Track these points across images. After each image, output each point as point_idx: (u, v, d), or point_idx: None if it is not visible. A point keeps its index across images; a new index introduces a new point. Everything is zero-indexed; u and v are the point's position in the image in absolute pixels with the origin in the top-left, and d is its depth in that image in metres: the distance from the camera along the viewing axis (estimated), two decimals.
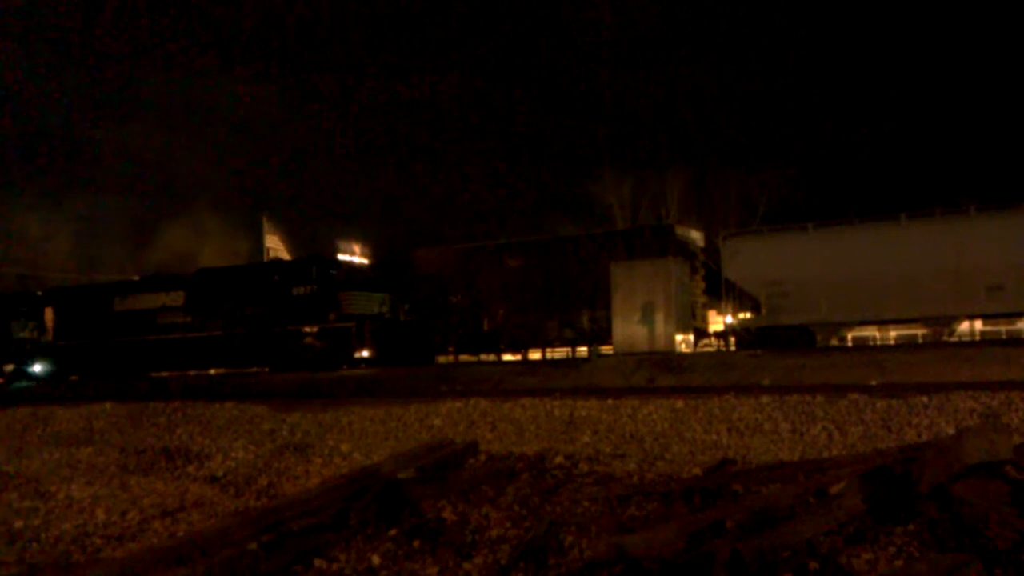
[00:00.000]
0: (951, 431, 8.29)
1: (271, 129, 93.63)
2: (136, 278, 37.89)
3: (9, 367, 34.60)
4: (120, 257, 57.56)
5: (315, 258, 29.56)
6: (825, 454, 8.37)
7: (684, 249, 28.51)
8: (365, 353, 27.49)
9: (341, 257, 28.99)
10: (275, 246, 38.62)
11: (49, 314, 34.39)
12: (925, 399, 10.07)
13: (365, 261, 29.69)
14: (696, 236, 30.70)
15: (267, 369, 29.40)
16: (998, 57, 72.30)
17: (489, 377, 19.66)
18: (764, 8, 77.64)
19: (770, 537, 5.11)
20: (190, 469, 10.25)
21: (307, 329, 27.84)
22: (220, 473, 9.86)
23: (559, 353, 31.12)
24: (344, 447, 10.66)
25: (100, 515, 8.06)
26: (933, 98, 70.73)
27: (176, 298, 31.20)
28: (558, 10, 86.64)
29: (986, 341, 23.04)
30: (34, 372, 34.23)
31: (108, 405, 16.03)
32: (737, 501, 6.26)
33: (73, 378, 32.84)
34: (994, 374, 14.07)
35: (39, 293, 37.39)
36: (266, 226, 38.98)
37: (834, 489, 5.89)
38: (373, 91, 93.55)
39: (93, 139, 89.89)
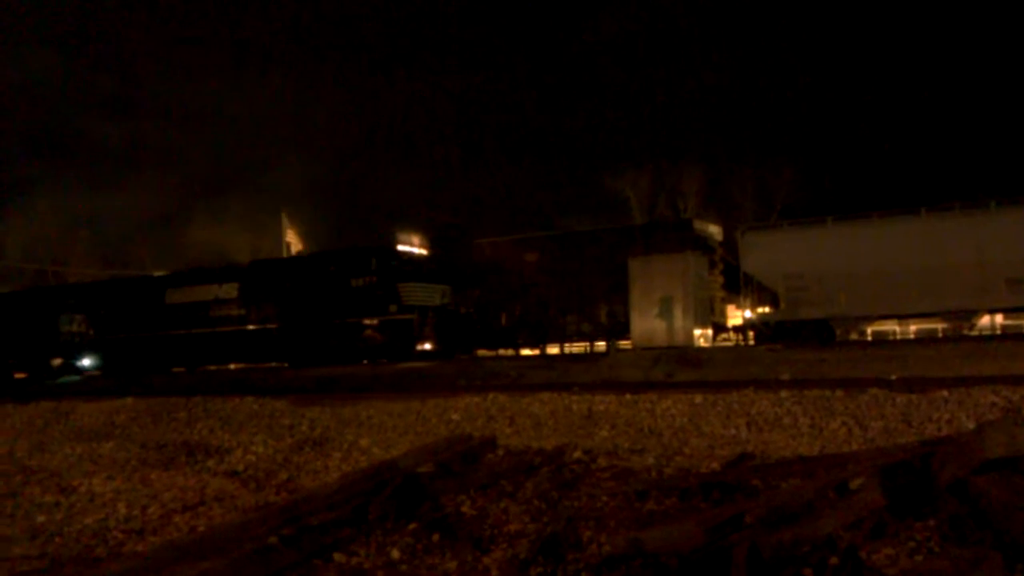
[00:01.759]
0: (971, 425, 8.24)
1: (288, 125, 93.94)
2: (162, 272, 37.85)
3: (57, 361, 34.18)
4: (140, 254, 58.07)
5: (374, 249, 28.85)
6: (844, 449, 8.34)
7: (702, 243, 28.50)
8: (427, 346, 26.94)
9: (400, 248, 28.38)
10: (295, 240, 38.71)
11: (97, 307, 34.02)
12: (945, 393, 10.03)
13: (424, 252, 29.08)
14: (714, 230, 30.68)
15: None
16: (1018, 51, 71.73)
17: (507, 372, 19.66)
18: (783, 3, 77.29)
19: (789, 532, 5.10)
20: (210, 464, 10.30)
21: (367, 321, 27.23)
22: (240, 468, 9.91)
23: (577, 347, 31.17)
24: (363, 442, 10.70)
25: (122, 509, 8.11)
26: (954, 92, 70.28)
27: (230, 290, 30.56)
28: (578, 6, 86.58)
29: (1007, 335, 22.92)
30: (83, 366, 33.86)
31: (129, 400, 16.14)
32: (756, 496, 6.25)
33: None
34: (1015, 368, 13.97)
35: (87, 286, 37.18)
36: (285, 221, 39.08)
37: (854, 484, 5.87)
38: (390, 88, 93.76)
39: (113, 136, 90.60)
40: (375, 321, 27.09)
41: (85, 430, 13.91)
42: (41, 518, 7.98)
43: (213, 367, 31.65)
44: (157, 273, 40.18)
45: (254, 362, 30.46)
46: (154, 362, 31.98)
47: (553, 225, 45.75)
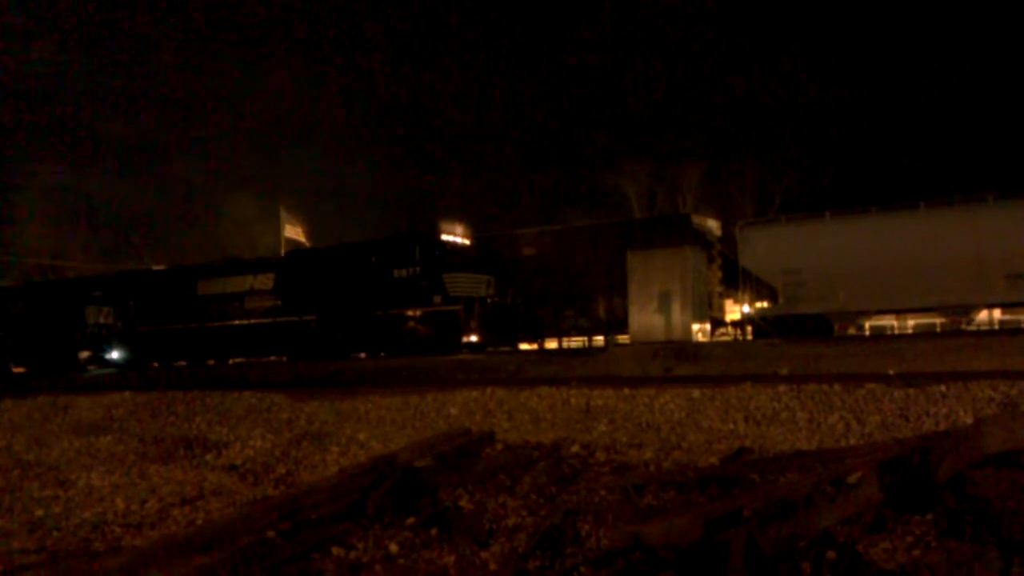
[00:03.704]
0: (969, 420, 8.25)
1: (290, 122, 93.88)
2: (161, 266, 37.57)
3: (85, 354, 33.58)
4: (141, 248, 58.11)
5: (418, 238, 27.71)
6: (843, 443, 8.34)
7: (701, 238, 28.48)
8: (473, 338, 26.12)
9: (444, 237, 27.43)
10: (295, 236, 38.55)
11: (125, 299, 33.39)
12: (943, 388, 10.01)
13: (468, 241, 28.19)
14: (713, 225, 30.67)
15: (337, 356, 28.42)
16: (1017, 47, 71.70)
17: (505, 366, 19.65)
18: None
19: (787, 526, 5.11)
20: (208, 458, 10.31)
21: (410, 313, 26.29)
22: (238, 462, 9.91)
23: (576, 342, 31.16)
24: (361, 436, 10.69)
25: (120, 503, 8.12)
26: (952, 87, 70.23)
27: (266, 281, 29.74)
28: (578, 2, 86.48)
29: (1005, 330, 22.92)
30: (112, 359, 33.27)
31: (127, 394, 16.10)
32: (754, 490, 6.25)
33: (154, 364, 32.04)
34: (1013, 363, 13.97)
35: (114, 277, 36.67)
36: (284, 216, 38.96)
37: (851, 478, 5.88)
38: (393, 79, 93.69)
39: (113, 130, 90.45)
40: (418, 313, 26.18)
41: (83, 424, 13.90)
42: (39, 512, 7.99)
43: (212, 362, 31.22)
44: (156, 267, 40.02)
45: (291, 355, 29.15)
46: (186, 354, 31.43)
47: (551, 220, 45.79)
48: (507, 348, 27.64)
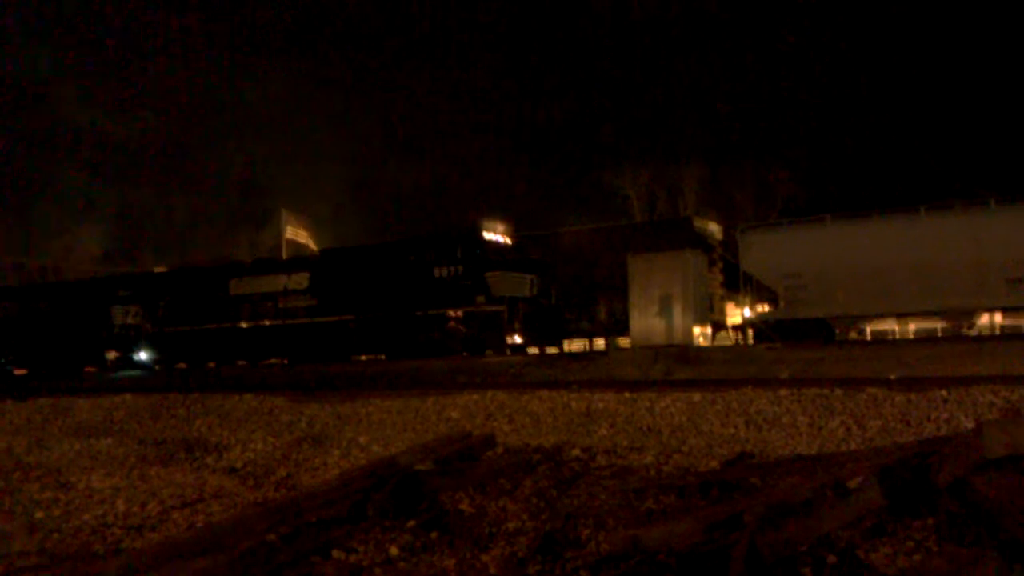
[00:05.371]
0: (970, 425, 8.24)
1: (290, 123, 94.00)
2: (164, 267, 37.34)
3: (112, 355, 33.04)
4: (148, 250, 58.18)
5: (460, 236, 27.04)
6: (843, 448, 8.33)
7: (702, 242, 28.48)
8: (516, 339, 25.71)
9: (486, 235, 26.64)
10: (296, 238, 38.52)
11: (154, 299, 32.68)
12: (944, 393, 10.01)
13: (510, 240, 27.44)
14: (714, 229, 30.69)
15: (380, 357, 28.09)
16: (1018, 50, 71.73)
17: (506, 370, 19.65)
18: (784, 1, 77.30)
19: (788, 530, 5.10)
20: (209, 460, 10.30)
21: (451, 313, 25.69)
22: (239, 464, 9.91)
23: (576, 345, 31.14)
24: (362, 439, 10.69)
25: (120, 506, 8.11)
26: (953, 90, 70.25)
27: (300, 280, 29.06)
28: (579, 4, 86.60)
29: (1006, 335, 22.89)
30: (139, 360, 32.58)
31: (128, 397, 16.12)
32: (755, 494, 6.24)
33: (182, 365, 31.45)
34: (1014, 368, 13.96)
35: (141, 276, 36.11)
36: (286, 218, 38.93)
37: (852, 483, 5.88)
38: (390, 86, 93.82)
39: (119, 134, 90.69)
40: (460, 313, 25.63)
41: (84, 426, 13.90)
42: (39, 514, 7.97)
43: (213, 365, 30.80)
44: (157, 269, 39.91)
45: (326, 356, 28.22)
46: (216, 356, 30.90)
47: (552, 223, 45.83)
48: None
